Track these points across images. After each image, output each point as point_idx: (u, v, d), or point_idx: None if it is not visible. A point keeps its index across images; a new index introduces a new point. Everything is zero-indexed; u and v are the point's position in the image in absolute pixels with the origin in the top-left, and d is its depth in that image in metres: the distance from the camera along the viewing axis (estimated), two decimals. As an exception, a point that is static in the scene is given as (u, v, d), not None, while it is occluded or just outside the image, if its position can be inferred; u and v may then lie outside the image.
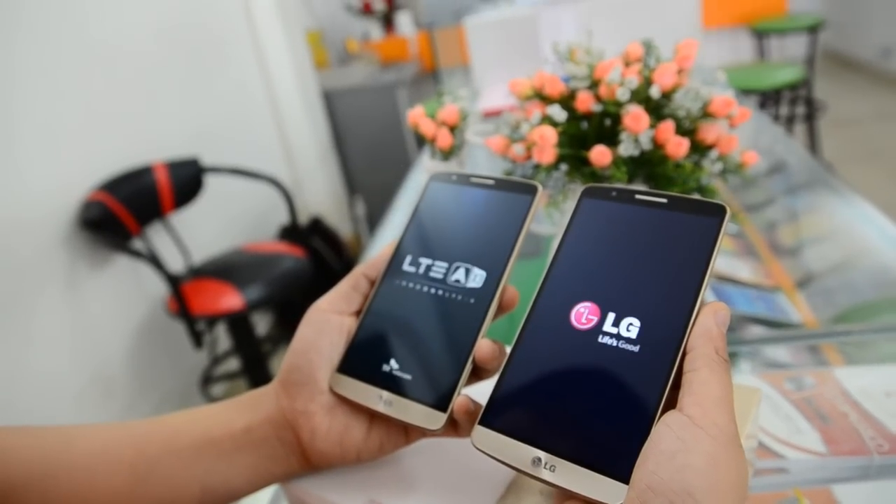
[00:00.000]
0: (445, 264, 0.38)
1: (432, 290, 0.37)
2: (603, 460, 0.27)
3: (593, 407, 0.29)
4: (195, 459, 0.35)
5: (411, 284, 0.38)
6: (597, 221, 0.34)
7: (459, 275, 0.37)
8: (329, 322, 0.37)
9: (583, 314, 0.31)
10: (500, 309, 0.36)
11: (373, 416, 0.37)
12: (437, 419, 0.33)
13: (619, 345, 0.30)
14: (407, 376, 0.35)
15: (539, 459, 0.28)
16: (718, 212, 0.30)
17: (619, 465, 0.27)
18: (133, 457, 0.35)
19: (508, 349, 0.33)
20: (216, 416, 0.37)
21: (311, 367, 0.36)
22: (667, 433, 0.25)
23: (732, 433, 0.25)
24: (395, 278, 0.39)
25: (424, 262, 0.39)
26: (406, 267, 0.39)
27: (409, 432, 0.37)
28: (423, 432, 0.36)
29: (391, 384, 0.35)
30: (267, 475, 0.37)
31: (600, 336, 0.30)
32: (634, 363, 0.29)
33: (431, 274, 0.38)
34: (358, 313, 0.39)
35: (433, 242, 0.39)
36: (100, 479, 0.34)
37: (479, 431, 0.31)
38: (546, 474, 0.28)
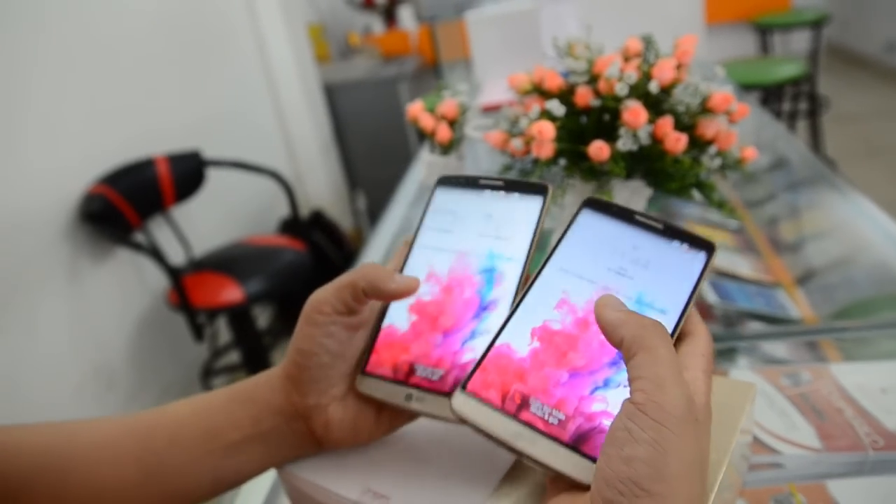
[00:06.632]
0: None
1: None
2: (577, 439, 0.29)
3: (572, 392, 0.30)
4: (204, 453, 0.35)
5: None
6: (593, 233, 0.34)
7: None
8: (335, 323, 0.36)
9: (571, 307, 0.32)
10: None
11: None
12: None
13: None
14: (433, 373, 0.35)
15: (520, 433, 0.29)
16: (707, 248, 0.31)
17: (590, 443, 0.28)
18: (139, 450, 0.35)
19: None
20: (220, 408, 0.37)
21: (322, 367, 0.36)
22: (617, 424, 0.25)
23: (681, 412, 0.24)
24: None
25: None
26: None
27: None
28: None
29: (419, 381, 0.35)
30: (279, 459, 0.38)
31: None
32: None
33: None
34: (351, 313, 0.37)
35: (443, 248, 0.39)
36: (106, 472, 0.34)
37: (460, 397, 0.31)
38: (526, 447, 0.29)
